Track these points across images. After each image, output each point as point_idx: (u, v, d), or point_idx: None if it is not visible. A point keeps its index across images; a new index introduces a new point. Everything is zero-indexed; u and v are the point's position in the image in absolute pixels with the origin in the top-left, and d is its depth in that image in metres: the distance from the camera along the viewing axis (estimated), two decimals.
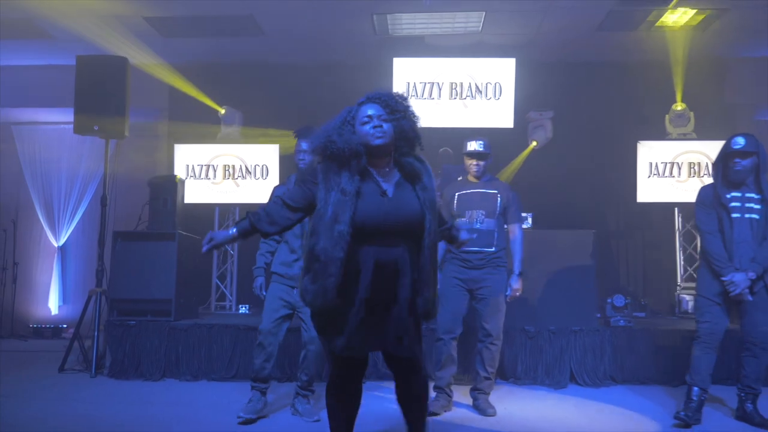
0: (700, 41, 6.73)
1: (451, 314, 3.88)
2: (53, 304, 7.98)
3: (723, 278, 3.54)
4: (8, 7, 6.02)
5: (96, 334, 5.11)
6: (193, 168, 6.78)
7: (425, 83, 6.90)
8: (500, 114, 6.83)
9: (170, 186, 5.46)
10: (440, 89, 6.90)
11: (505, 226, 4.06)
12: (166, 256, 5.13)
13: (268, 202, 2.83)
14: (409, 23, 6.47)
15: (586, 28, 6.44)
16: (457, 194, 4.03)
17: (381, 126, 2.38)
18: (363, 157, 2.38)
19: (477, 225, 3.90)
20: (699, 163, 6.60)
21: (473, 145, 4.01)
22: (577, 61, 7.01)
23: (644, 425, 3.69)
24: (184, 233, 5.31)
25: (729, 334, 3.75)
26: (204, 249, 2.47)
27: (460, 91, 6.90)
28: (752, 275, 3.49)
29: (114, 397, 4.36)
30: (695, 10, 6.08)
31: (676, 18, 6.22)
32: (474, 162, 4.02)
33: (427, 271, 2.40)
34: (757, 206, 3.56)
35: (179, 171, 6.68)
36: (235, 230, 2.47)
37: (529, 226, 5.25)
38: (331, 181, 2.36)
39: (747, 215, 3.56)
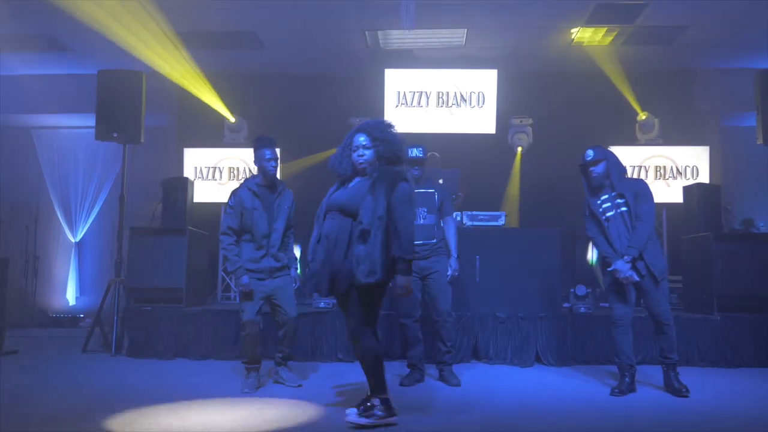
0: (667, 54, 7.32)
1: (411, 303, 4.43)
2: (71, 296, 8.63)
3: (608, 269, 4.17)
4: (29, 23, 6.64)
5: (115, 318, 5.73)
6: (200, 170, 7.39)
7: (414, 92, 7.50)
8: (483, 121, 7.43)
9: (181, 186, 6.08)
10: (428, 98, 7.50)
11: (459, 218, 4.64)
12: (178, 249, 5.75)
13: None
14: (398, 38, 7.07)
15: (560, 41, 7.04)
16: None
17: (363, 155, 3.32)
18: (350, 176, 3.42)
19: (420, 221, 4.44)
20: (664, 167, 7.19)
21: (414, 152, 4.53)
22: (554, 71, 7.59)
23: (592, 395, 4.23)
24: (194, 229, 5.92)
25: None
26: None
27: (447, 100, 7.50)
28: (627, 258, 4.05)
29: (133, 372, 4.97)
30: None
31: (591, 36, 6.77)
32: (414, 167, 4.51)
33: (360, 249, 3.18)
34: (622, 200, 4.14)
35: (188, 173, 7.30)
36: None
37: (502, 223, 5.82)
38: None
39: (619, 210, 4.14)
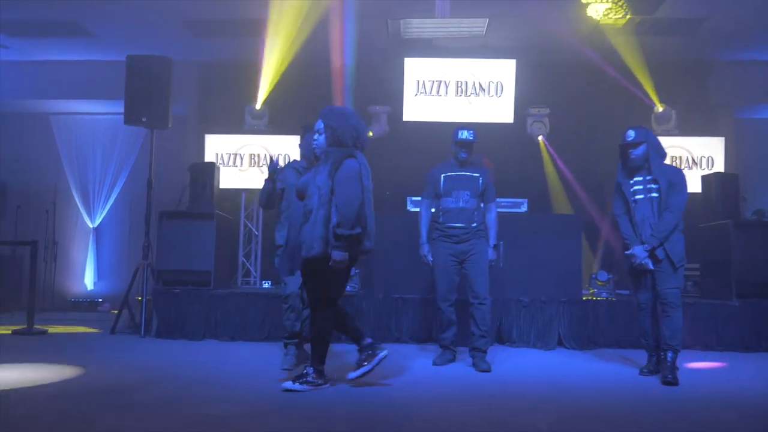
0: (684, 45, 7.42)
1: (446, 284, 4.49)
2: (89, 281, 8.72)
3: (625, 252, 4.17)
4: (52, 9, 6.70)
5: (144, 300, 5.83)
6: (221, 156, 7.48)
7: (433, 81, 7.59)
8: (501, 110, 7.53)
9: (209, 171, 6.17)
10: (447, 87, 7.59)
11: (482, 205, 4.62)
12: (206, 233, 5.84)
13: None
14: (419, 27, 7.13)
15: (576, 32, 7.12)
16: (443, 175, 4.55)
17: (317, 140, 3.65)
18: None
19: (462, 204, 4.46)
20: (680, 157, 7.31)
21: (465, 135, 4.55)
22: (574, 61, 7.67)
23: (622, 375, 4.34)
24: (221, 213, 6.02)
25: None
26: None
27: (465, 89, 7.59)
28: (647, 246, 4.05)
29: (164, 351, 5.07)
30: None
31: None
32: (463, 150, 4.54)
33: (305, 228, 3.51)
34: (656, 185, 4.10)
35: (209, 159, 7.38)
36: None
37: (525, 210, 5.93)
38: None
39: (649, 195, 4.11)
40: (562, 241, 5.70)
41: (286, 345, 4.42)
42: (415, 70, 7.57)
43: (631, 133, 4.21)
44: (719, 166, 7.28)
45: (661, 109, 7.26)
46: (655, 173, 4.13)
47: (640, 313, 4.30)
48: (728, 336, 5.49)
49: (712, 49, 7.62)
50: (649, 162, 4.16)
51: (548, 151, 7.62)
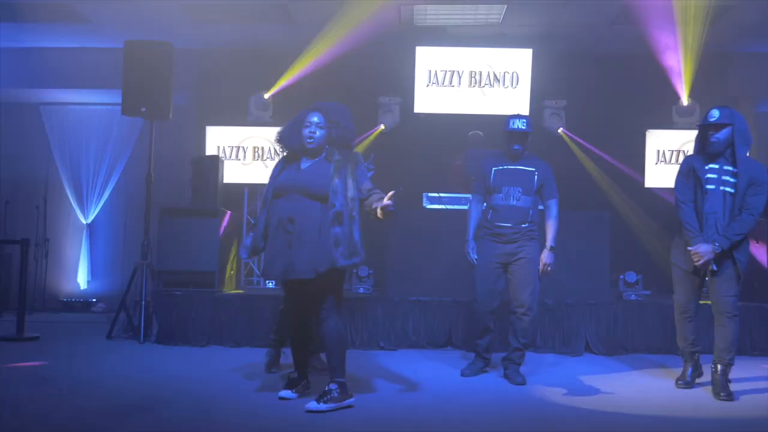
0: (705, 36, 7.09)
1: (487, 291, 4.08)
2: (82, 279, 8.32)
3: (689, 248, 3.63)
4: None
5: (143, 303, 5.46)
6: (223, 149, 7.10)
7: (446, 71, 7.24)
8: (516, 102, 7.17)
9: (213, 165, 5.80)
10: (460, 77, 7.24)
11: (540, 206, 4.22)
12: (210, 231, 5.48)
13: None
14: (433, 14, 6.79)
15: (601, 21, 6.79)
16: (494, 169, 4.10)
17: (315, 133, 3.28)
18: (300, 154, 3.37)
19: (513, 202, 4.03)
20: None
21: (516, 124, 4.07)
22: (592, 52, 7.35)
23: (663, 389, 4.00)
24: (225, 210, 5.65)
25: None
26: None
27: (479, 80, 7.24)
28: (717, 248, 3.55)
29: (166, 359, 4.71)
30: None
31: None
32: (515, 141, 4.07)
33: (337, 231, 3.19)
34: (733, 179, 3.58)
35: (210, 152, 7.00)
36: None
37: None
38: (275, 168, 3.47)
39: (722, 188, 3.58)
40: (588, 240, 5.39)
41: (272, 345, 4.24)
42: (427, 59, 7.21)
43: (715, 113, 3.59)
44: None
45: (686, 103, 6.93)
46: (739, 167, 3.56)
47: (683, 319, 3.89)
48: (763, 340, 5.21)
49: (734, 39, 7.31)
50: (734, 150, 3.57)
51: (575, 142, 7.28)
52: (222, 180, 6.00)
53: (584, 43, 7.26)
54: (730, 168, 3.61)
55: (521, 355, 4.12)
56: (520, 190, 4.08)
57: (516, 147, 4.12)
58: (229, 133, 7.13)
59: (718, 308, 3.72)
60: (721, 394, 3.61)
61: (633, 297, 5.36)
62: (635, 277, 5.46)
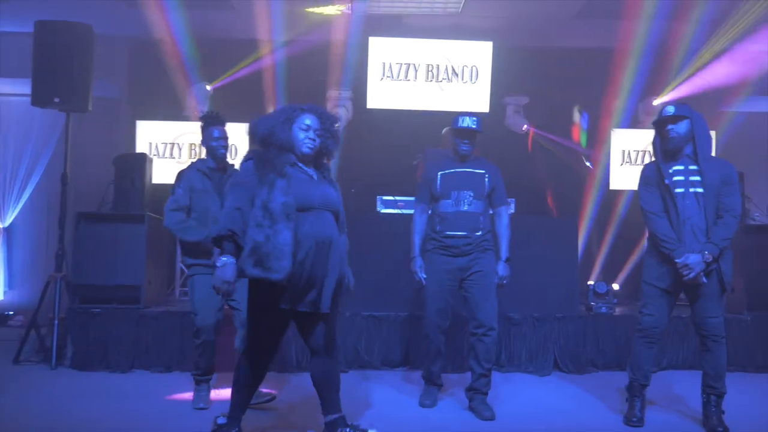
0: (667, 31, 6.80)
1: (439, 311, 3.65)
2: None
3: (677, 261, 3.20)
4: None
5: (56, 322, 4.75)
6: (156, 146, 6.44)
7: (401, 64, 6.74)
8: (476, 98, 6.75)
9: (138, 165, 5.13)
10: (416, 71, 6.76)
11: (490, 211, 3.80)
12: (134, 239, 4.81)
13: (226, 212, 2.74)
14: (388, 1, 6.28)
15: (564, 14, 6.40)
16: (440, 173, 3.69)
17: (314, 139, 2.81)
18: (292, 154, 2.79)
19: (464, 207, 3.61)
20: None
21: (466, 122, 3.66)
22: (555, 47, 6.96)
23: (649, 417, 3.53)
24: (154, 215, 5.00)
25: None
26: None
27: (437, 74, 6.78)
28: (708, 257, 3.17)
29: (80, 391, 4.06)
30: None
31: None
32: (464, 140, 3.67)
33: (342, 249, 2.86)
34: (700, 178, 3.25)
35: (141, 149, 6.33)
36: (227, 258, 2.66)
37: (512, 211, 5.17)
38: (265, 172, 2.70)
39: (692, 189, 3.25)
40: (556, 248, 4.97)
41: (198, 382, 3.69)
42: (381, 51, 6.69)
43: (671, 108, 3.30)
44: None
45: (657, 102, 6.61)
46: (703, 164, 3.23)
47: (640, 339, 3.40)
48: (739, 355, 4.88)
49: (697, 36, 7.05)
50: (695, 146, 3.26)
51: (547, 141, 6.87)
52: (150, 180, 5.33)
53: (547, 37, 6.86)
54: (695, 167, 3.27)
55: (487, 383, 3.64)
56: (471, 194, 3.63)
57: (464, 147, 3.68)
58: (162, 129, 6.46)
59: (704, 331, 3.31)
60: (719, 430, 3.21)
61: (604, 309, 4.96)
62: (605, 287, 5.06)
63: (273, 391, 3.72)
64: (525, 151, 6.68)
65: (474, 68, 6.76)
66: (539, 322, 4.81)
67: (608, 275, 5.53)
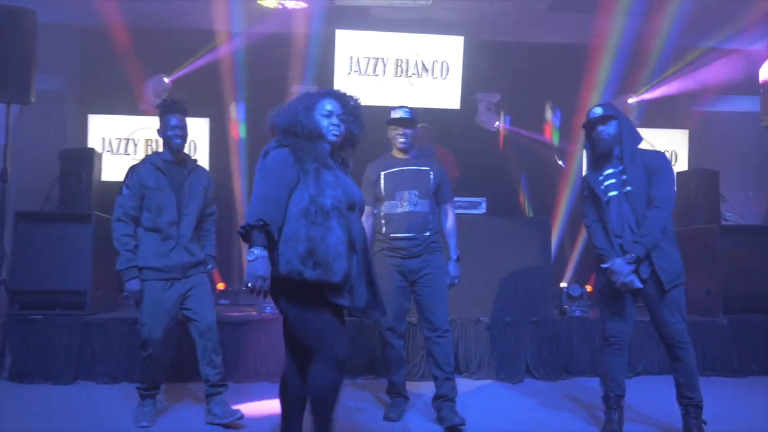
0: (643, 27, 6.66)
1: (392, 311, 3.39)
2: None
3: (602, 266, 3.11)
4: None
5: None
6: (109, 142, 6.11)
7: (369, 58, 6.49)
8: (447, 94, 6.54)
9: (86, 160, 4.79)
10: (385, 65, 6.51)
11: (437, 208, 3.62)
12: (80, 240, 4.48)
13: (257, 200, 2.36)
14: None
15: (537, 7, 6.21)
16: (383, 173, 3.51)
17: (338, 125, 2.51)
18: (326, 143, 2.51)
19: (410, 207, 3.42)
20: None
21: (398, 113, 3.52)
22: (528, 42, 6.77)
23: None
24: (102, 215, 4.66)
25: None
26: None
27: (406, 69, 6.54)
28: (630, 257, 3.02)
29: (18, 405, 3.73)
30: None
31: None
32: (400, 131, 3.50)
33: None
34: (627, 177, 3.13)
35: (94, 144, 5.98)
36: (259, 251, 2.30)
37: (483, 211, 4.96)
38: (306, 162, 2.40)
39: (625, 190, 3.11)
40: (528, 249, 4.77)
41: (143, 397, 3.40)
42: (348, 44, 6.43)
43: (598, 109, 3.18)
44: (683, 162, 6.62)
45: (633, 100, 6.47)
46: (627, 162, 3.11)
47: (607, 348, 3.22)
48: (715, 359, 4.75)
49: (672, 33, 6.93)
50: (622, 146, 3.13)
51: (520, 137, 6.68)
52: (99, 177, 4.99)
53: (520, 31, 6.67)
54: (625, 166, 3.14)
55: (453, 387, 3.45)
56: (417, 193, 3.44)
57: (403, 141, 3.52)
58: (116, 123, 6.11)
59: (667, 340, 3.14)
60: None
61: (577, 313, 4.77)
62: (579, 290, 4.88)
63: (239, 408, 3.43)
64: (497, 149, 6.48)
65: (444, 63, 6.55)
66: (511, 327, 4.61)
67: (582, 277, 5.35)
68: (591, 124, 3.17)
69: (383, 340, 3.53)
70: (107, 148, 6.06)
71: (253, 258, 2.27)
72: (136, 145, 6.09)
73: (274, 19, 6.32)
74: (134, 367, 4.24)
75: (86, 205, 4.71)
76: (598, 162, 3.22)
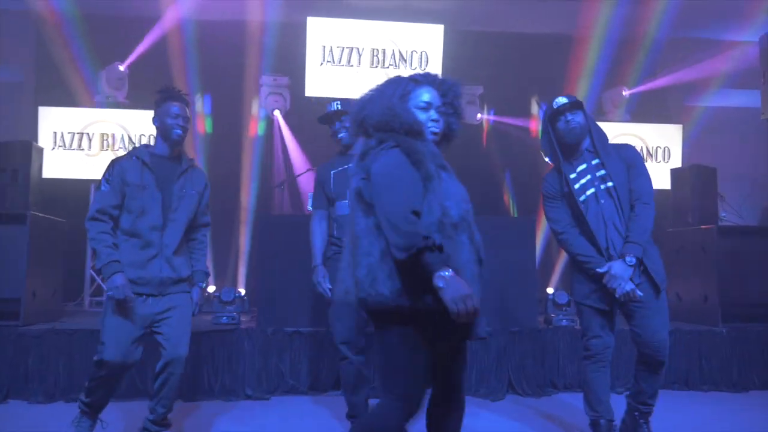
0: (636, 19, 6.31)
1: (350, 327, 3.08)
2: None
3: (598, 271, 2.79)
4: None
5: None
6: (62, 136, 5.65)
7: (343, 48, 6.09)
8: None
9: (23, 154, 4.35)
10: (360, 56, 6.11)
11: None
12: (14, 243, 4.03)
13: (405, 217, 1.89)
14: None
15: None
16: (333, 173, 3.23)
17: (438, 120, 2.10)
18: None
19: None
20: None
21: (334, 106, 3.27)
22: (512, 32, 6.40)
23: None
24: (40, 215, 4.22)
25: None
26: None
27: (383, 59, 6.15)
28: (631, 260, 2.73)
29: None
30: None
31: None
32: (337, 128, 3.24)
33: None
34: (605, 171, 2.85)
35: (45, 139, 5.54)
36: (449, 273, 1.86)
37: None
38: (426, 165, 1.97)
39: (603, 186, 2.84)
40: (511, 252, 4.36)
41: (83, 413, 2.91)
42: (321, 33, 6.02)
43: (562, 99, 2.90)
44: (676, 159, 6.26)
45: (627, 92, 6.11)
46: (603, 155, 2.83)
47: (590, 366, 2.92)
48: (713, 371, 4.37)
49: (664, 23, 6.58)
50: (592, 138, 2.88)
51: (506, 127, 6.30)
52: (39, 174, 4.55)
53: (504, 21, 6.29)
54: (597, 161, 2.88)
55: None
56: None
57: (342, 134, 3.25)
58: (69, 116, 5.66)
59: (647, 349, 2.83)
60: None
61: (564, 322, 4.38)
62: (566, 297, 4.49)
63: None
64: (479, 145, 6.09)
65: (424, 53, 6.16)
66: (491, 337, 4.20)
67: (569, 283, 4.95)
68: (557, 113, 2.87)
69: (341, 356, 3.14)
70: (59, 143, 5.60)
71: (447, 280, 1.83)
72: (90, 139, 5.63)
73: (240, 4, 5.90)
74: (74, 385, 3.84)
75: (23, 205, 4.27)
76: (564, 156, 2.92)
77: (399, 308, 1.91)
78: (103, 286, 3.34)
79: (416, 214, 1.89)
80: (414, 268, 1.86)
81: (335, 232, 3.20)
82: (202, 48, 6.00)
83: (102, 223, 2.78)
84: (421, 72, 2.19)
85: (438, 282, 1.83)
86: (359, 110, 2.12)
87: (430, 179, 1.95)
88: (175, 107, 2.91)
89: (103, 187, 2.82)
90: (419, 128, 2.04)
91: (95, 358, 2.81)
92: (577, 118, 2.84)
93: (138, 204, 2.80)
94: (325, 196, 3.25)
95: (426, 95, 2.10)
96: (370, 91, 2.15)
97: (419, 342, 1.95)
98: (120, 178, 2.81)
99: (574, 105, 2.86)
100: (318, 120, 3.34)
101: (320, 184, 3.27)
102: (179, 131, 2.90)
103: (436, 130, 2.09)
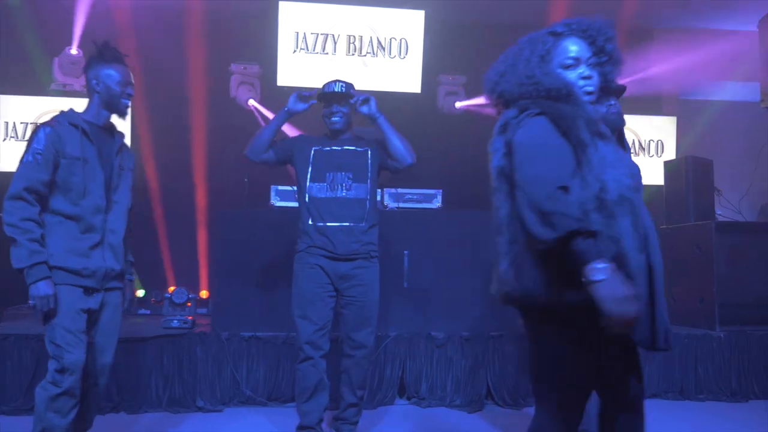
0: (626, 8, 5.99)
1: (316, 322, 2.88)
2: None
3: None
4: None
5: None
6: (14, 126, 5.30)
7: (317, 35, 5.74)
8: (406, 76, 5.81)
9: None
10: (335, 43, 5.76)
11: (378, 197, 3.21)
12: None
13: (553, 195, 1.56)
14: None
15: None
16: (314, 149, 3.01)
17: (591, 77, 1.77)
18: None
19: (342, 192, 2.93)
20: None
21: (335, 87, 3.03)
22: (496, 21, 6.06)
23: None
24: None
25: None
26: None
27: (360, 47, 5.80)
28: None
29: None
30: None
31: None
32: (334, 111, 3.02)
33: None
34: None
35: None
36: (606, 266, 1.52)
37: (438, 205, 4.23)
38: (579, 131, 1.64)
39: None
40: (490, 249, 4.00)
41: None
42: (294, 18, 5.67)
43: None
44: (670, 152, 5.94)
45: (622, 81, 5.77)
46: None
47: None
48: (710, 379, 4.03)
49: (656, 12, 6.28)
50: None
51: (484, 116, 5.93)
52: None
53: (488, 8, 5.95)
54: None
55: (358, 411, 3.08)
56: (350, 176, 2.97)
57: (337, 120, 3.02)
58: (23, 105, 5.31)
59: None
60: None
61: None
62: None
63: None
64: (458, 135, 5.73)
65: (403, 41, 5.81)
66: (469, 343, 3.86)
67: None
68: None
69: (304, 356, 2.88)
70: (11, 133, 5.25)
71: (604, 275, 1.49)
72: None
73: None
74: (4, 396, 3.47)
75: None
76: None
77: (550, 304, 1.59)
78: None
79: (564, 189, 1.55)
80: (561, 256, 1.53)
81: (310, 218, 2.93)
82: (168, 31, 5.63)
83: (28, 206, 2.26)
84: (559, 23, 1.82)
85: (594, 275, 1.49)
86: (494, 85, 1.82)
87: (583, 148, 1.61)
88: (122, 71, 2.44)
89: (28, 158, 2.30)
90: (569, 91, 1.72)
91: (54, 367, 2.29)
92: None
93: (78, 180, 2.33)
94: (284, 156, 3.02)
95: (573, 47, 1.78)
96: (503, 57, 1.84)
97: (577, 344, 1.64)
98: (54, 149, 2.31)
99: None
100: (317, 96, 3.04)
101: (290, 148, 3.03)
102: (127, 101, 2.45)
103: (591, 89, 1.76)
